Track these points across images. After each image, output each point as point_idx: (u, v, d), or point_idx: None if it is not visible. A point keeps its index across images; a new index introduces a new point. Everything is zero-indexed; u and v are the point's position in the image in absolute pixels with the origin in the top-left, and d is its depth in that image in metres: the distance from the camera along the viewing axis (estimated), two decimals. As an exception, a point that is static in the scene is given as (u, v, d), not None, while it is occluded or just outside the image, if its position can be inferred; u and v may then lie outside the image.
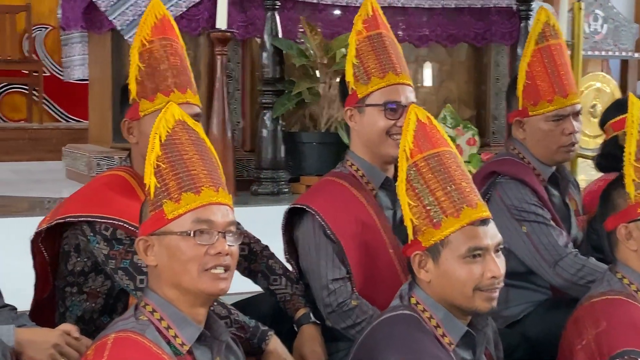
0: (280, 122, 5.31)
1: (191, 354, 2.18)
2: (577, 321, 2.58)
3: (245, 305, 3.01)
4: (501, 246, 2.35)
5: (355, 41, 2.99)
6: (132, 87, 2.72)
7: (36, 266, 2.76)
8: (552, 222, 3.12)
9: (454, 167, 2.37)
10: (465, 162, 5.93)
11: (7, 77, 9.08)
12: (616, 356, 2.41)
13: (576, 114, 3.24)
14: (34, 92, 8.91)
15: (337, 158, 5.39)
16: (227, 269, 2.19)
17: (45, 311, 2.82)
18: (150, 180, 2.22)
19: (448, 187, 2.33)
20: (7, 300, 2.65)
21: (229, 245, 2.19)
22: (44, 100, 9.07)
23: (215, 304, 2.57)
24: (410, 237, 2.37)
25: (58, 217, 2.66)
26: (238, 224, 2.96)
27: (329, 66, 5.33)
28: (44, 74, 8.91)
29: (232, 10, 5.37)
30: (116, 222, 2.61)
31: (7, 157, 8.01)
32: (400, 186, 2.37)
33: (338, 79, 5.30)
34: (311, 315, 2.83)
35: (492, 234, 2.32)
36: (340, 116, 5.37)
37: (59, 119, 9.29)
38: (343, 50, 5.35)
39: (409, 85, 3.00)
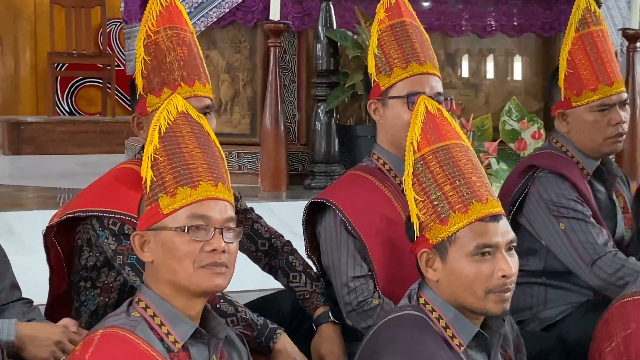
0: (334, 115, 5.21)
1: (186, 350, 2.11)
2: (607, 322, 2.43)
3: (265, 302, 2.95)
4: (514, 244, 2.21)
5: (377, 31, 2.88)
6: (139, 81, 2.64)
7: (50, 260, 2.73)
8: (591, 219, 2.96)
9: (464, 161, 2.25)
10: (530, 155, 5.77)
11: (83, 71, 9.22)
12: (643, 361, 2.26)
13: (622, 103, 3.07)
14: (108, 85, 9.01)
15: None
16: (224, 266, 2.11)
17: (62, 306, 2.79)
18: (146, 173, 2.16)
19: (457, 182, 2.21)
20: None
21: (226, 242, 2.11)
22: (118, 94, 9.16)
23: (222, 301, 2.50)
24: (417, 233, 2.25)
25: (68, 212, 2.62)
26: (259, 218, 2.92)
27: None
28: (117, 68, 9.00)
29: (288, 1, 5.30)
30: (124, 217, 2.56)
31: (79, 149, 8.12)
32: (407, 180, 2.26)
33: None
34: (330, 314, 2.74)
35: (503, 231, 2.19)
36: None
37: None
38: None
39: (434, 74, 2.87)
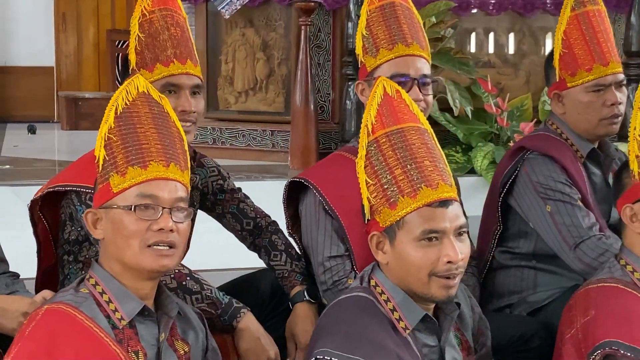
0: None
1: (134, 327, 2.15)
2: (570, 309, 2.40)
3: (246, 280, 2.98)
4: (464, 230, 2.20)
5: (367, 11, 2.88)
6: (132, 57, 2.72)
7: (38, 234, 2.80)
8: (579, 203, 2.91)
9: (417, 145, 2.23)
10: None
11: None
12: (598, 347, 2.23)
13: (619, 84, 3.01)
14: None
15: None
16: (171, 245, 2.14)
17: (51, 280, 2.86)
18: (99, 152, 2.21)
19: (408, 166, 2.20)
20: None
21: (175, 221, 2.15)
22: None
23: (188, 278, 2.55)
24: (367, 216, 2.25)
25: (50, 187, 2.69)
26: (246, 197, 2.95)
27: (417, 36, 5.16)
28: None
29: (323, -21, 5.29)
30: None
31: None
32: (359, 163, 2.26)
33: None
34: (305, 293, 2.76)
35: (452, 217, 2.17)
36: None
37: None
38: (433, 19, 5.19)
39: (420, 56, 2.85)
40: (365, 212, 2.25)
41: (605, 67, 2.98)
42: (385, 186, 2.20)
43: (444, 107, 5.15)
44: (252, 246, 2.96)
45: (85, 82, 9.42)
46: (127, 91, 2.26)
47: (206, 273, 3.57)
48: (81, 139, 7.78)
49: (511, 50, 5.89)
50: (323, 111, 5.43)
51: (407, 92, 2.78)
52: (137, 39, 2.71)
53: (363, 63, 2.88)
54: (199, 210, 2.96)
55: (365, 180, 2.23)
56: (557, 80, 3.04)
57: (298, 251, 2.89)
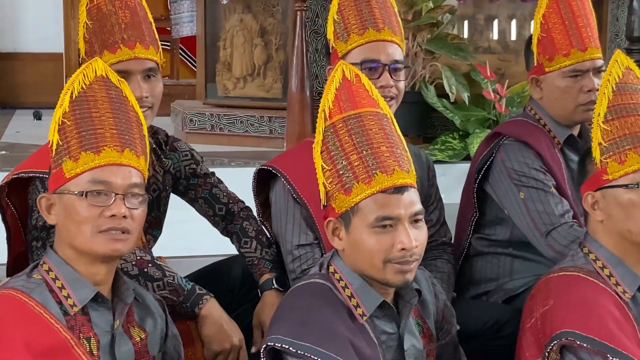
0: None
1: (86, 314, 2.14)
2: (532, 298, 2.37)
3: (217, 267, 2.96)
4: (419, 216, 2.17)
5: None
6: (81, 45, 2.69)
7: (7, 220, 2.79)
8: (552, 190, 2.87)
9: (375, 130, 2.20)
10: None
11: (152, 35, 9.32)
12: (555, 338, 2.20)
13: (597, 70, 2.97)
14: (175, 49, 9.11)
15: (420, 118, 5.27)
16: (124, 231, 2.13)
17: (23, 266, 2.85)
18: (53, 137, 2.20)
19: (364, 151, 2.17)
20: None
21: (129, 207, 2.13)
22: (183, 56, 9.26)
23: (150, 265, 2.53)
24: (323, 202, 2.22)
25: (14, 173, 2.68)
26: (220, 182, 2.93)
27: (414, 21, 5.11)
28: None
29: (319, -37, 5.25)
30: None
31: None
32: (316, 148, 2.23)
33: (420, 35, 5.12)
34: (274, 281, 2.73)
35: (407, 203, 2.14)
36: (424, 73, 5.17)
37: (200, 75, 9.47)
38: (430, 4, 5.13)
39: (392, 42, 2.81)
40: (321, 197, 2.22)
41: (584, 53, 2.93)
42: (341, 172, 2.17)
43: (442, 93, 5.11)
44: (225, 232, 2.94)
45: (94, 69, 9.40)
46: (84, 74, 2.24)
47: (191, 259, 3.59)
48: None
49: (513, 36, 5.82)
50: (320, 97, 5.37)
51: (378, 78, 2.77)
52: (85, 26, 2.67)
53: (334, 48, 2.85)
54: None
55: (322, 165, 2.21)
56: (536, 64, 3.00)
57: (269, 238, 2.86)
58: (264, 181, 2.83)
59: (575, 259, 2.38)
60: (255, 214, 2.93)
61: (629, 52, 5.60)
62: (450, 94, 5.01)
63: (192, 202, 2.96)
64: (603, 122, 2.34)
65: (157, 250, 3.75)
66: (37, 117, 7.79)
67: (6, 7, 9.09)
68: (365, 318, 2.16)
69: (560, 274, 2.34)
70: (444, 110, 5.09)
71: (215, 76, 5.76)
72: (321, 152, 2.21)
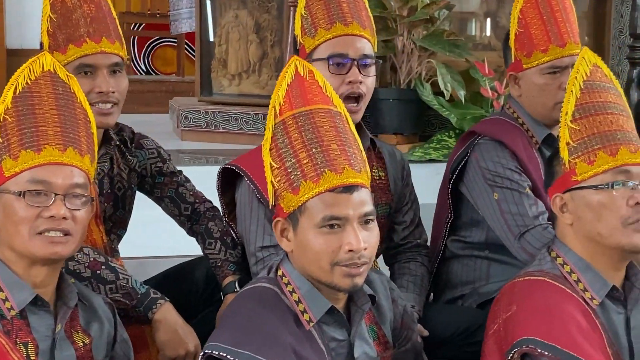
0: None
1: (25, 318, 2.07)
2: (496, 303, 2.27)
3: (182, 268, 2.89)
4: (370, 217, 2.07)
5: None
6: (44, 39, 2.63)
7: None
8: (527, 190, 2.77)
9: (326, 127, 2.10)
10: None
11: (158, 32, 9.28)
12: (515, 345, 2.10)
13: None
14: (181, 45, 9.06)
15: (416, 116, 5.17)
16: (65, 233, 2.05)
17: None
18: None
19: (313, 149, 2.07)
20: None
21: (71, 208, 2.05)
22: (189, 52, 9.20)
23: (103, 267, 2.45)
24: (271, 202, 2.14)
25: None
26: (186, 181, 2.86)
27: (409, 17, 5.01)
28: (190, 28, 9.02)
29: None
30: None
31: (146, 108, 8.19)
32: (265, 145, 2.14)
33: (415, 32, 5.02)
34: (236, 284, 2.65)
35: (356, 203, 2.05)
36: (419, 70, 5.07)
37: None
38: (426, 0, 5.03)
39: (361, 36, 2.73)
40: (269, 197, 2.13)
41: (562, 49, 2.83)
42: (289, 170, 2.08)
43: (438, 90, 5.00)
44: (191, 232, 2.87)
45: (101, 66, 9.37)
46: (30, 69, 2.17)
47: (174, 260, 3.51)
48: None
49: None
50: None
51: (346, 73, 2.69)
52: (48, 19, 2.62)
53: (302, 44, 2.77)
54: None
55: (270, 163, 2.12)
56: (513, 61, 2.90)
57: (235, 239, 2.78)
58: (229, 180, 2.75)
59: (542, 263, 2.27)
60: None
61: (632, 49, 5.47)
62: (445, 92, 4.90)
63: (158, 201, 2.89)
64: (571, 121, 2.24)
65: (139, 249, 3.73)
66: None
67: (13, 3, 9.05)
68: (312, 324, 2.07)
69: (525, 278, 2.24)
70: (440, 108, 4.99)
71: (210, 73, 5.69)
72: (270, 150, 2.12)
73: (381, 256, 2.96)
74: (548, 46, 2.83)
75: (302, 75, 2.16)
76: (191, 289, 2.76)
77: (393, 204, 2.88)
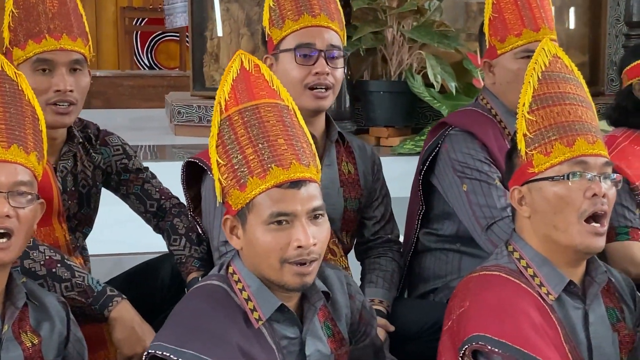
0: (346, 69, 5.00)
1: (-28, 319, 2.05)
2: (453, 298, 2.23)
3: (148, 265, 2.87)
4: (319, 212, 2.03)
5: None
6: (5, 34, 2.61)
7: None
8: (497, 182, 2.72)
9: (272, 122, 2.06)
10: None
11: (161, 26, 9.23)
12: (466, 342, 2.06)
13: None
14: (183, 39, 9.05)
15: (407, 108, 5.12)
16: (8, 231, 2.03)
17: None
18: None
19: (259, 144, 2.03)
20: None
21: (14, 206, 2.03)
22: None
23: (59, 265, 2.43)
24: (219, 199, 2.10)
25: None
26: (152, 178, 2.83)
27: (398, 9, 4.96)
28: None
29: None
30: None
31: (147, 103, 8.19)
32: (211, 142, 2.10)
33: (405, 23, 4.97)
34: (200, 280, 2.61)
35: (304, 198, 2.01)
36: (410, 62, 5.02)
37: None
38: (416, -9, 4.99)
39: (329, 28, 2.69)
40: (217, 194, 2.10)
41: (536, 33, 2.79)
42: (236, 166, 2.04)
43: (430, 82, 4.96)
44: (157, 229, 2.84)
45: (104, 61, 9.38)
46: None
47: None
48: (90, 117, 7.71)
49: None
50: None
51: (313, 64, 2.65)
52: (10, 14, 2.60)
53: (269, 36, 2.74)
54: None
55: (217, 160, 2.08)
56: (488, 47, 2.86)
57: (201, 235, 2.75)
58: (195, 175, 2.72)
59: (499, 258, 2.23)
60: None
61: (627, 37, 5.42)
62: (435, 83, 4.86)
63: (124, 198, 2.87)
64: (528, 112, 2.20)
65: (116, 246, 3.71)
66: (40, 110, 7.74)
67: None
68: (261, 323, 2.03)
69: (480, 273, 2.20)
70: (431, 100, 4.95)
71: (202, 67, 5.66)
72: (216, 147, 2.08)
73: (352, 251, 2.93)
74: (522, 30, 2.79)
75: (247, 69, 2.13)
76: (157, 286, 2.73)
77: (363, 198, 2.84)
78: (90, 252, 3.18)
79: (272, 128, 2.06)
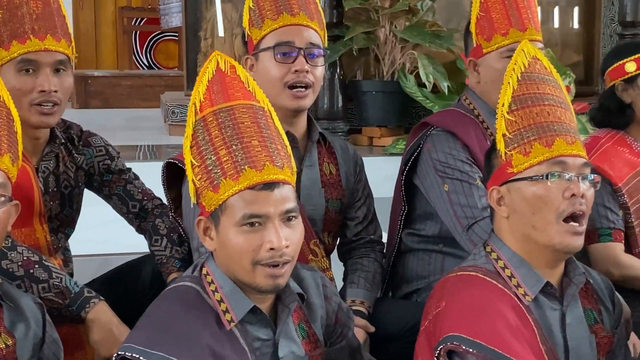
0: (338, 69, 5.01)
1: (-58, 320, 2.05)
2: (430, 299, 2.22)
3: (130, 266, 2.87)
4: (292, 214, 2.03)
5: None
6: None
7: None
8: (478, 182, 2.72)
9: (247, 123, 2.06)
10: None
11: (159, 26, 9.23)
12: (441, 342, 2.06)
13: None
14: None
15: (400, 108, 5.12)
16: None
17: None
18: None
19: (233, 146, 2.03)
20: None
21: None
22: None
23: (36, 266, 2.43)
24: (193, 200, 2.10)
25: None
26: (135, 179, 2.83)
27: (390, 9, 4.96)
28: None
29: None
30: None
31: (145, 103, 8.19)
32: (185, 143, 2.10)
33: (397, 23, 4.97)
34: (181, 280, 2.61)
35: (277, 200, 2.00)
36: (402, 62, 5.02)
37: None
38: (408, -9, 4.98)
39: (308, 26, 2.69)
40: (191, 195, 2.10)
41: (523, 33, 2.79)
42: (210, 168, 2.04)
43: (423, 82, 4.95)
44: (139, 230, 2.84)
45: (103, 61, 9.39)
46: None
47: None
48: (88, 117, 7.72)
49: None
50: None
51: (293, 62, 2.66)
52: None
53: (249, 36, 2.75)
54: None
55: (191, 161, 2.08)
56: (474, 46, 2.86)
57: (183, 235, 2.75)
58: (177, 175, 2.71)
59: (476, 258, 2.23)
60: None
61: (621, 37, 5.40)
62: (427, 83, 4.86)
63: (106, 198, 2.87)
64: (507, 113, 2.19)
65: (103, 246, 3.72)
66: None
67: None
68: (233, 324, 2.03)
69: (458, 274, 2.19)
70: (423, 100, 4.95)
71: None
72: (191, 148, 2.08)
73: (335, 251, 2.93)
74: (508, 29, 2.79)
75: (223, 70, 2.12)
76: (138, 286, 2.73)
77: (345, 199, 2.84)
78: (77, 253, 3.19)
79: (247, 130, 2.06)
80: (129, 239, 3.63)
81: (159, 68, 9.44)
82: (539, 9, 2.94)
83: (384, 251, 2.95)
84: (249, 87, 2.12)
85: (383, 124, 5.08)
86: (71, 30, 2.71)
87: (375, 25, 4.95)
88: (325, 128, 4.96)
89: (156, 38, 9.45)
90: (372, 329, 2.66)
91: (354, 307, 2.71)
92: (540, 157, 2.15)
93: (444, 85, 4.91)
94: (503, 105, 2.21)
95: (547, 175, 2.13)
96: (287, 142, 2.12)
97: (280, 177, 2.03)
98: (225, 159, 2.03)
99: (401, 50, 5.00)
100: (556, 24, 5.73)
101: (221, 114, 2.07)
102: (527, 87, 2.22)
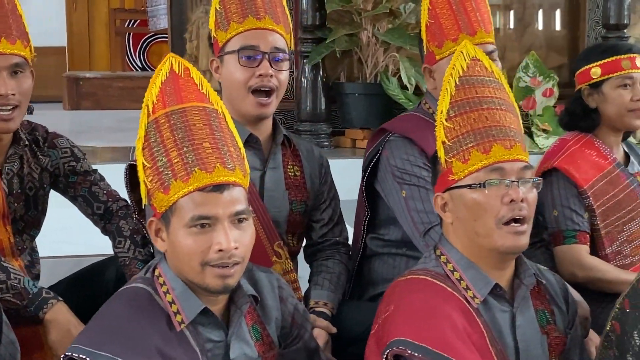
0: (321, 71, 5.02)
1: None
2: (381, 303, 2.24)
3: (94, 268, 2.88)
4: (242, 216, 2.05)
5: None
6: None
7: None
8: (435, 188, 2.73)
9: (199, 125, 2.08)
10: (538, 115, 5.40)
11: (153, 28, 9.30)
12: (388, 346, 2.07)
13: (488, 55, 2.80)
14: (175, 41, 9.07)
15: (383, 110, 5.12)
16: None
17: None
18: None
19: (184, 148, 2.05)
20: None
21: None
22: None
23: (-6, 267, 2.44)
24: (144, 201, 2.12)
25: None
26: (101, 180, 2.84)
27: (372, 11, 4.96)
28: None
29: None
30: None
31: (136, 105, 8.18)
32: (137, 145, 2.12)
33: (380, 25, 4.97)
34: (142, 282, 2.62)
35: (226, 202, 2.02)
36: (385, 65, 5.02)
37: (202, 68, 9.42)
38: (391, -7, 4.98)
39: (274, 31, 2.70)
40: (142, 197, 2.11)
41: (472, 37, 2.78)
42: (161, 169, 2.06)
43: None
44: (104, 231, 2.85)
45: (96, 62, 9.41)
46: None
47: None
48: (80, 118, 7.76)
49: (514, 22, 5.65)
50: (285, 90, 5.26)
51: (257, 66, 2.66)
52: None
53: (215, 38, 2.76)
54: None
55: (143, 163, 2.09)
56: (427, 53, 2.86)
57: (147, 237, 2.75)
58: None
59: (427, 262, 2.24)
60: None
61: (605, 39, 5.41)
62: (408, 85, 4.86)
63: (72, 200, 2.88)
64: (446, 120, 2.20)
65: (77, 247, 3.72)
66: (29, 111, 7.76)
67: (9, 1, 9.08)
68: (183, 326, 2.05)
69: (407, 277, 2.21)
70: (406, 103, 4.95)
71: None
72: (143, 149, 2.10)
73: (302, 253, 2.94)
74: (458, 35, 2.79)
75: (177, 72, 2.14)
76: (102, 288, 2.74)
77: (309, 201, 2.85)
78: (49, 254, 3.20)
79: (198, 132, 2.07)
80: (102, 241, 3.65)
81: (152, 70, 9.44)
82: (489, 9, 2.92)
83: (350, 254, 2.96)
84: (202, 89, 2.14)
85: (366, 126, 5.08)
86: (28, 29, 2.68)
87: (357, 27, 4.96)
88: (308, 130, 5.04)
89: (150, 40, 9.48)
90: (334, 330, 2.67)
91: (317, 309, 2.72)
92: (478, 164, 2.16)
93: (425, 87, 4.90)
94: (442, 112, 2.22)
95: (484, 184, 2.14)
96: (241, 145, 2.14)
97: (230, 179, 2.04)
98: (176, 160, 2.05)
99: (384, 53, 5.01)
100: (540, 27, 5.73)
101: (173, 116, 2.09)
102: (465, 91, 2.22)
